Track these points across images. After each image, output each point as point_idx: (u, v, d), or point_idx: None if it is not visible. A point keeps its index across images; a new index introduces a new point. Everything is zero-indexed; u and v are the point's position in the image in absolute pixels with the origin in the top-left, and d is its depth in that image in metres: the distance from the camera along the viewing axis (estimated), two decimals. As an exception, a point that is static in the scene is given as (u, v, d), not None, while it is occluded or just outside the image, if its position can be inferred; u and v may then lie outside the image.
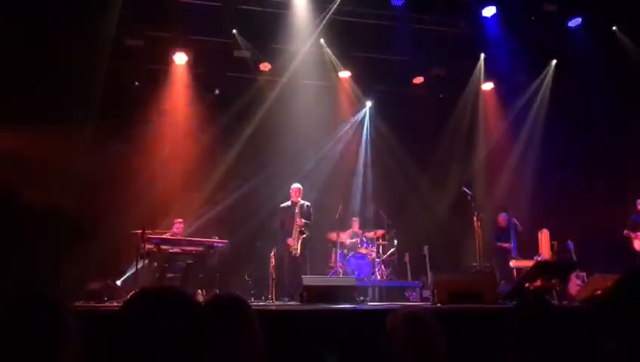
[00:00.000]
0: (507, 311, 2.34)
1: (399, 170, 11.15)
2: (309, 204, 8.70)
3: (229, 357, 1.84)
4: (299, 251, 8.34)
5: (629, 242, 9.17)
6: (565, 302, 7.05)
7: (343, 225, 9.91)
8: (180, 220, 8.79)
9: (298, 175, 9.74)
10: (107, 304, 6.85)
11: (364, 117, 11.69)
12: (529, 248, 9.67)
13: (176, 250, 8.06)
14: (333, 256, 9.72)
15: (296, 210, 8.50)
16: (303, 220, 8.45)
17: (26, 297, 1.48)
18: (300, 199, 8.64)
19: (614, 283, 1.53)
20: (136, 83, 10.00)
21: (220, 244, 8.22)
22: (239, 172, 10.32)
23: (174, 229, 8.62)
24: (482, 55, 11.01)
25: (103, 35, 8.95)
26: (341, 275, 9.16)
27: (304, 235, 8.40)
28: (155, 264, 8.09)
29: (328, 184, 10.07)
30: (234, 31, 9.79)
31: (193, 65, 10.08)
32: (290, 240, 8.40)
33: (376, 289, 9.81)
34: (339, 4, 9.41)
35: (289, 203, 8.67)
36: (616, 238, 9.31)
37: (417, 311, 2.32)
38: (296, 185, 8.75)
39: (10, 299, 1.48)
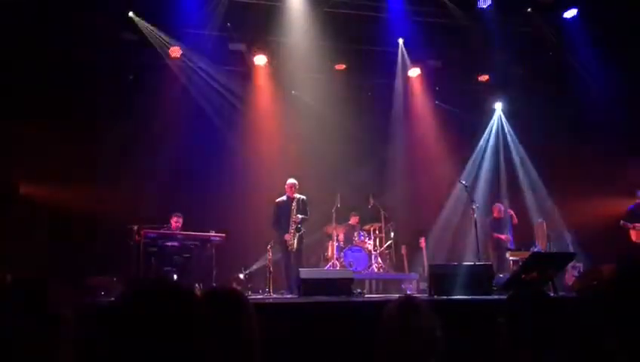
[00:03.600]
0: (504, 302, 2.34)
1: (396, 163, 11.16)
2: (304, 198, 8.67)
3: (227, 350, 1.84)
4: (295, 246, 8.35)
5: (626, 233, 9.15)
6: (562, 293, 7.08)
7: (340, 219, 9.92)
8: (179, 216, 8.68)
9: (294, 168, 9.73)
10: (104, 299, 6.83)
11: (360, 109, 11.65)
12: (525, 239, 9.71)
13: (172, 244, 8.05)
14: (330, 248, 9.74)
15: (293, 206, 8.49)
16: (300, 216, 8.44)
17: (24, 291, 1.48)
18: (295, 194, 8.62)
19: (610, 275, 1.53)
20: (130, 77, 9.95)
21: (217, 238, 8.22)
22: (236, 165, 10.30)
23: (172, 225, 8.56)
24: (478, 47, 10.99)
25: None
26: (338, 268, 9.18)
27: (300, 231, 8.41)
28: (152, 259, 8.07)
29: (325, 177, 10.07)
30: (228, 24, 9.74)
31: (188, 58, 10.05)
32: (286, 236, 8.40)
33: (373, 282, 9.84)
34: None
35: (284, 198, 8.64)
36: (613, 229, 9.33)
37: (413, 298, 2.33)
38: (291, 181, 8.70)
39: (8, 292, 1.47)
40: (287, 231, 8.41)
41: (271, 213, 8.75)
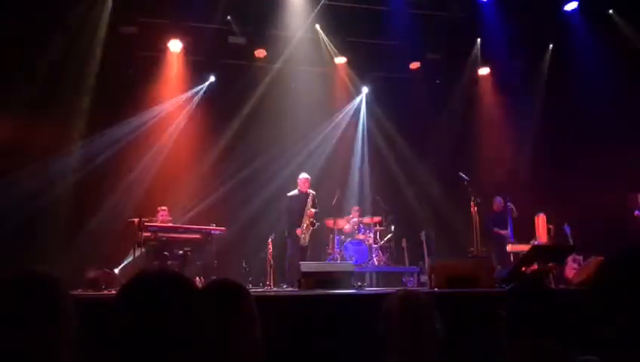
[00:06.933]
0: (504, 294, 2.35)
1: (396, 156, 11.15)
2: (314, 193, 8.75)
3: (228, 343, 1.84)
4: (307, 241, 8.41)
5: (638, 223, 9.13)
6: (562, 286, 7.10)
7: (341, 212, 9.93)
8: (164, 208, 8.69)
9: (295, 162, 9.74)
10: (105, 292, 6.84)
11: (360, 103, 11.64)
12: (526, 232, 9.71)
13: (173, 237, 8.06)
14: (331, 242, 9.75)
15: (308, 201, 8.54)
16: (314, 210, 8.51)
17: (24, 283, 1.48)
18: (308, 190, 8.69)
19: (598, 269, 1.53)
20: (130, 70, 9.93)
21: (218, 232, 8.23)
22: (236, 159, 10.31)
23: (160, 218, 8.58)
24: (478, 40, 10.97)
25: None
26: (339, 261, 9.20)
27: (314, 226, 8.47)
28: (153, 252, 8.08)
29: (325, 170, 10.07)
30: (228, 17, 9.72)
31: (188, 52, 10.02)
32: (298, 231, 8.45)
33: (374, 275, 9.86)
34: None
35: (296, 192, 8.70)
36: (613, 221, 9.33)
37: (414, 292, 2.34)
38: (305, 176, 8.77)
39: (8, 285, 1.48)
40: (299, 226, 8.46)
41: (273, 207, 8.78)
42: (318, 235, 9.56)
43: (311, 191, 8.71)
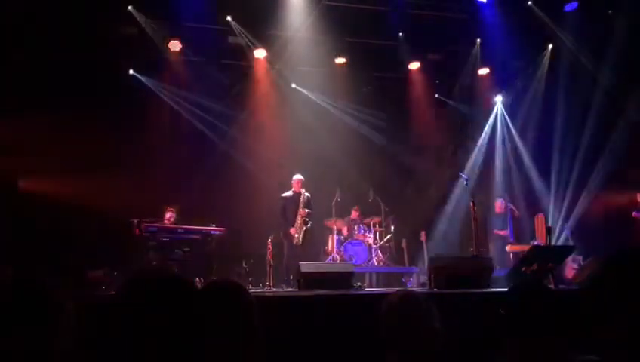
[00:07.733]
0: (504, 294, 2.35)
1: (396, 156, 11.15)
2: (309, 195, 8.83)
3: (228, 343, 1.84)
4: (301, 240, 8.46)
5: (637, 224, 9.12)
6: (562, 286, 7.09)
7: (341, 212, 9.93)
8: (172, 209, 8.70)
9: (295, 162, 9.74)
10: (105, 293, 6.84)
11: (360, 103, 11.63)
12: (525, 233, 9.72)
13: (173, 238, 8.06)
14: (330, 242, 9.75)
15: (301, 201, 8.61)
16: (307, 210, 8.57)
17: (24, 284, 1.48)
18: (301, 190, 8.76)
19: (595, 269, 1.53)
20: (131, 71, 9.94)
21: (218, 232, 8.23)
22: (236, 160, 10.31)
23: (166, 218, 8.59)
24: (478, 40, 10.96)
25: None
26: (338, 262, 9.20)
27: (307, 225, 8.52)
28: (153, 252, 8.08)
29: (325, 170, 10.07)
30: (228, 17, 9.72)
31: (188, 52, 10.01)
32: (292, 230, 8.51)
33: (374, 276, 9.86)
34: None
35: (291, 193, 8.79)
36: (613, 221, 9.34)
37: (413, 292, 2.34)
38: (298, 176, 8.84)
39: (7, 285, 1.48)
40: (293, 225, 8.51)
41: (273, 207, 8.83)
42: (317, 235, 9.58)
43: (304, 193, 8.77)
